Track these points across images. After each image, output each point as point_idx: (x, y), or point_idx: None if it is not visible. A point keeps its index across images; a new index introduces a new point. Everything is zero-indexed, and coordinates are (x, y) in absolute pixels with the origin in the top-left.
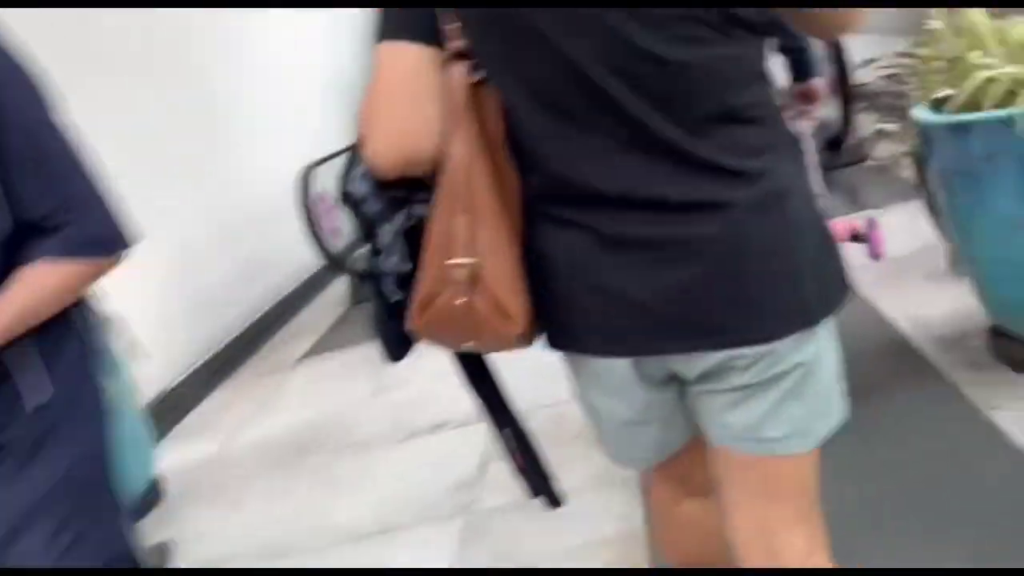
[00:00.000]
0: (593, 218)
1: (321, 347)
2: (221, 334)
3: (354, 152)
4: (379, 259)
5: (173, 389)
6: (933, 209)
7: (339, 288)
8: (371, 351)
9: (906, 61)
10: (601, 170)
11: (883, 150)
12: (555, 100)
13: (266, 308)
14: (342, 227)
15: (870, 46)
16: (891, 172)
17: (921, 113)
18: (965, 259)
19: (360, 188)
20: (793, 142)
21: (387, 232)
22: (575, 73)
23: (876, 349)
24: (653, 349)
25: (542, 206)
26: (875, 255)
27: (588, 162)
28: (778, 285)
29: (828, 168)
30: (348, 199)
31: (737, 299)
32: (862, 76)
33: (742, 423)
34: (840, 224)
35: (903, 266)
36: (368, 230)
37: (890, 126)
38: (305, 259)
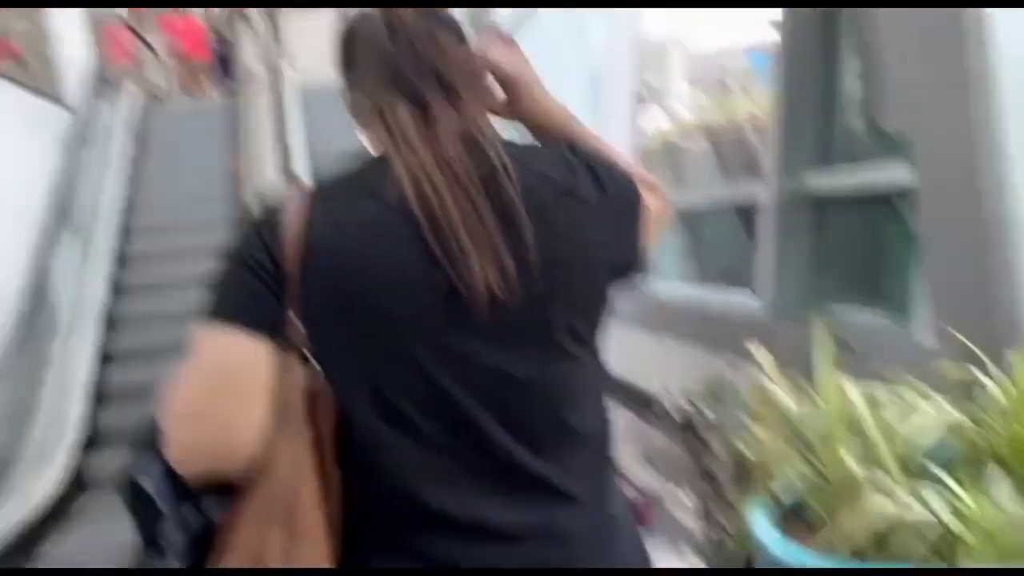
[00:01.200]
0: (425, 543)
1: None
2: None
3: (143, 440)
4: (153, 558)
5: None
6: None
7: None
8: None
9: (712, 417)
10: (438, 489)
11: (678, 520)
12: (405, 414)
13: None
14: None
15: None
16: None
17: (766, 531)
18: None
19: (151, 485)
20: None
21: (171, 531)
22: (432, 389)
23: None
24: None
25: (371, 527)
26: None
27: (425, 481)
28: None
29: None
30: (133, 493)
31: None
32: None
33: None
34: None
35: None
36: (151, 530)
37: (685, 496)
38: None
